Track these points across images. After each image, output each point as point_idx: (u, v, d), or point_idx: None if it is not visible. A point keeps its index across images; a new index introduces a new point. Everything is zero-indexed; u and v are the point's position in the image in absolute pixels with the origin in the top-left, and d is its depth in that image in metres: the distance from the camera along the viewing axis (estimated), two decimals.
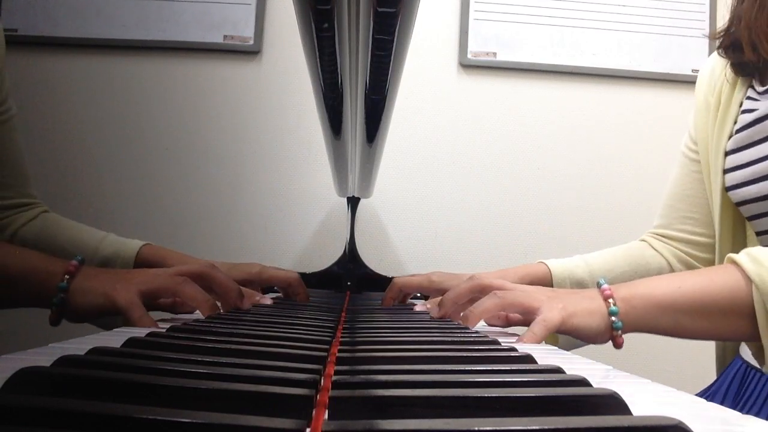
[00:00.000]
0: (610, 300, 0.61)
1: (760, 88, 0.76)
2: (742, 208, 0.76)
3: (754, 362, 0.76)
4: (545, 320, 0.60)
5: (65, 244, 0.87)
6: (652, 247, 0.93)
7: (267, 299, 0.81)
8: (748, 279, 0.56)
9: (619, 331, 0.61)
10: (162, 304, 0.72)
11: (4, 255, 0.62)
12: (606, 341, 0.62)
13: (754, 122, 0.74)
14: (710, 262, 0.88)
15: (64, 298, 0.60)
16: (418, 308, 0.80)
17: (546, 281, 0.87)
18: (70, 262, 0.61)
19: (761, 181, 0.72)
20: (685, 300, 0.59)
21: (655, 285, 0.62)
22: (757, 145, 0.73)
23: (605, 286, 0.62)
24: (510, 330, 0.77)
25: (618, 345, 0.62)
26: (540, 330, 0.59)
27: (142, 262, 0.87)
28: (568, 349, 0.83)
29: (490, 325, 0.74)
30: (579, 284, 0.87)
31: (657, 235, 0.94)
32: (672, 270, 0.91)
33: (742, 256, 0.58)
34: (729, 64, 0.79)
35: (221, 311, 0.66)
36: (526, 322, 0.66)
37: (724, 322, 0.58)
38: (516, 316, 0.71)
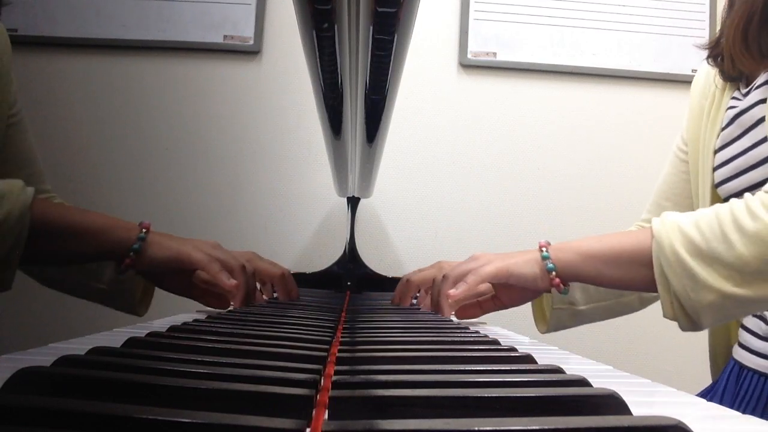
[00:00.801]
0: (543, 249, 0.71)
1: (744, 89, 0.80)
2: None
3: (746, 362, 0.76)
4: (478, 271, 0.72)
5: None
6: None
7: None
8: (653, 233, 0.64)
9: (553, 273, 0.70)
10: (199, 281, 0.80)
11: (85, 212, 0.70)
12: (547, 285, 0.72)
13: (734, 118, 0.77)
14: None
15: (142, 246, 0.70)
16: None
17: None
18: (144, 222, 0.72)
19: (743, 174, 0.75)
20: (603, 250, 0.68)
21: (583, 240, 0.71)
22: (739, 140, 0.76)
23: (542, 241, 0.73)
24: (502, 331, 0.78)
25: (557, 286, 0.71)
26: (472, 279, 0.72)
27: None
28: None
29: (462, 316, 0.83)
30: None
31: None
32: None
33: (656, 218, 0.65)
34: (718, 71, 0.83)
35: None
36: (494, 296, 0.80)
37: (634, 271, 0.66)
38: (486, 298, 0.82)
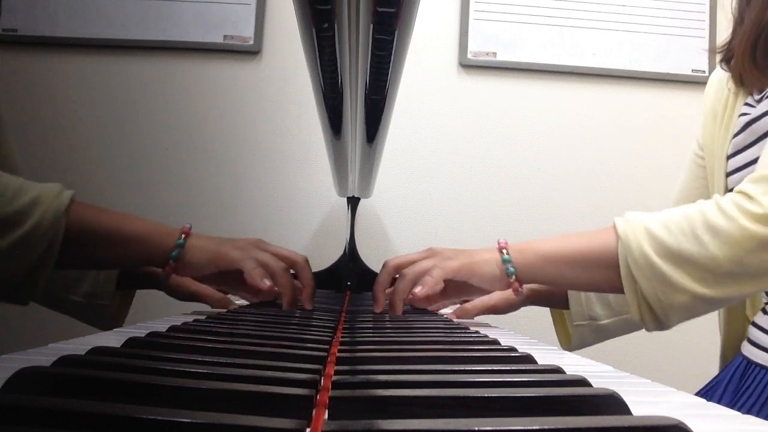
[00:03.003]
0: (504, 250, 0.69)
1: (757, 96, 0.79)
2: None
3: (754, 358, 0.76)
4: (443, 266, 0.69)
5: None
6: None
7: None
8: (618, 234, 0.62)
9: (513, 277, 0.68)
10: (229, 282, 0.77)
11: (124, 218, 0.69)
12: (505, 287, 0.70)
13: (746, 125, 0.77)
14: None
15: (181, 252, 0.68)
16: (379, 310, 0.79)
17: None
18: (184, 226, 0.70)
19: None
20: (566, 252, 0.67)
21: (546, 240, 0.70)
22: (751, 147, 0.76)
23: (502, 241, 0.71)
24: (496, 332, 0.77)
25: (515, 291, 0.69)
26: (437, 273, 0.69)
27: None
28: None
29: (418, 306, 0.80)
30: None
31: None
32: None
33: (620, 218, 0.64)
34: (730, 75, 0.82)
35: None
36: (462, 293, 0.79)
37: (598, 273, 0.65)
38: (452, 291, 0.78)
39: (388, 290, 0.77)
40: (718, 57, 0.83)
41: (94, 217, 0.66)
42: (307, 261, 0.76)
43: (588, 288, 0.69)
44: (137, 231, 0.68)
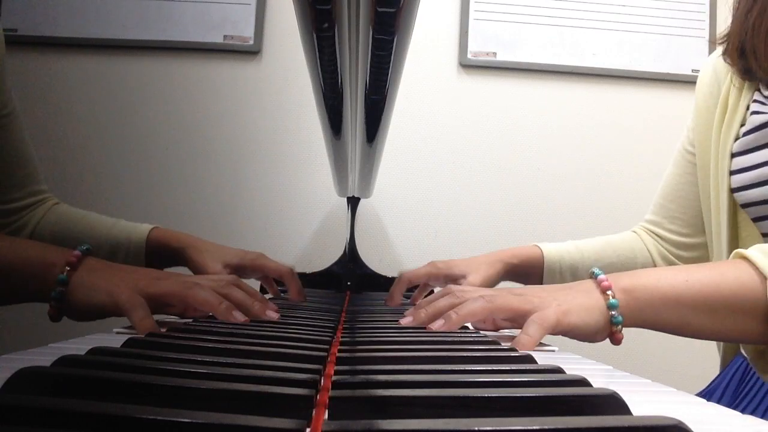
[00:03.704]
0: (609, 292, 0.56)
1: (767, 92, 0.76)
2: (748, 210, 0.76)
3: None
4: (541, 319, 0.54)
5: (79, 234, 0.88)
6: (642, 241, 0.94)
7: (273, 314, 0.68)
8: (761, 275, 0.52)
9: (619, 326, 0.55)
10: (169, 312, 0.67)
11: (3, 249, 0.58)
12: (605, 338, 0.57)
13: (762, 126, 0.74)
14: (694, 262, 0.89)
15: (63, 291, 0.55)
16: (404, 322, 0.63)
17: (538, 263, 0.89)
18: (72, 252, 0.57)
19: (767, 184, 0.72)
20: (692, 294, 0.54)
21: (660, 276, 0.56)
22: (765, 148, 0.73)
23: (602, 276, 0.57)
24: (506, 333, 0.77)
25: (617, 341, 0.56)
26: (535, 331, 0.54)
27: (154, 243, 0.88)
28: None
29: (477, 329, 0.70)
30: (571, 269, 0.89)
31: (648, 230, 0.95)
32: (655, 266, 0.91)
33: (754, 252, 0.54)
34: (735, 69, 0.78)
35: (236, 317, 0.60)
36: (516, 326, 0.60)
37: (732, 321, 0.54)
38: (504, 322, 0.67)
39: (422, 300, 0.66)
40: (720, 49, 0.80)
41: None
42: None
43: (715, 336, 0.57)
44: (13, 259, 0.56)
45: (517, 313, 0.56)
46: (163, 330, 0.50)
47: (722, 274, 0.54)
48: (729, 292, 0.53)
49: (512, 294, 0.58)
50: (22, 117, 0.89)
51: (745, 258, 0.55)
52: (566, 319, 0.54)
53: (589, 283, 0.58)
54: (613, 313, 0.55)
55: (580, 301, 0.56)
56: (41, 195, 0.92)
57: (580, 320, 0.55)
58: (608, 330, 0.56)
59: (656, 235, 0.93)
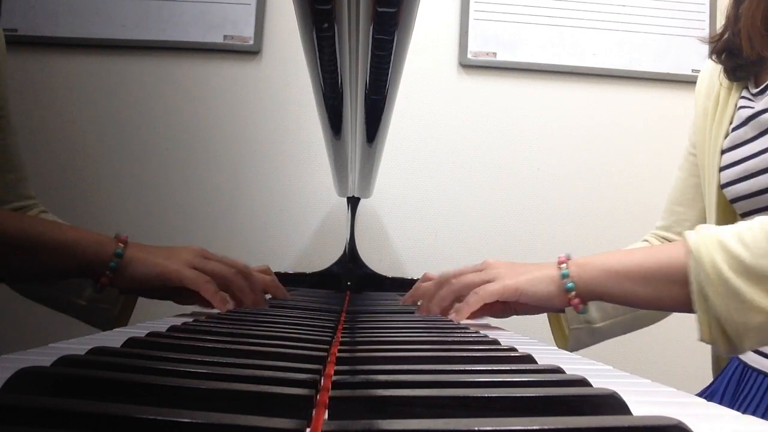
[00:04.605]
0: (563, 265, 0.66)
1: (754, 90, 0.78)
2: (736, 205, 0.77)
3: (751, 363, 0.76)
4: (483, 290, 0.66)
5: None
6: None
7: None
8: (689, 248, 0.58)
9: (573, 293, 0.65)
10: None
11: (51, 225, 0.65)
12: (564, 304, 0.67)
13: (748, 119, 0.75)
14: None
15: (119, 263, 0.64)
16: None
17: None
18: (121, 235, 0.66)
19: (753, 177, 0.73)
20: (631, 267, 0.63)
21: (608, 255, 0.66)
22: (751, 143, 0.74)
23: (563, 255, 0.67)
24: (497, 323, 0.77)
25: (575, 307, 0.66)
26: (474, 300, 0.66)
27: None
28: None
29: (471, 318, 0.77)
30: None
31: (659, 236, 0.95)
32: None
33: (689, 231, 0.61)
34: (722, 69, 0.80)
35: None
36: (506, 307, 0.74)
37: (666, 289, 0.61)
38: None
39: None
40: (709, 48, 0.81)
41: (15, 224, 0.63)
42: (247, 267, 0.74)
43: (653, 306, 0.65)
44: (66, 239, 0.64)
45: (468, 285, 0.69)
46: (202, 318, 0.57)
47: (659, 250, 0.63)
48: (661, 263, 0.61)
49: (475, 272, 0.70)
50: (15, 123, 0.89)
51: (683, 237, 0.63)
52: (515, 287, 0.66)
53: (549, 262, 0.68)
54: (565, 281, 0.65)
55: (535, 274, 0.67)
56: (30, 201, 0.91)
57: (530, 286, 0.66)
58: (564, 296, 0.66)
59: (667, 240, 0.93)
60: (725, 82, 0.81)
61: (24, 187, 0.90)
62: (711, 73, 0.86)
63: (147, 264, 0.66)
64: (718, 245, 0.57)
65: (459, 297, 0.71)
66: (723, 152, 0.79)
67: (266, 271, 0.87)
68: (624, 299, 0.65)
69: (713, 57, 0.81)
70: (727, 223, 0.79)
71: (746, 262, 0.55)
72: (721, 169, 0.79)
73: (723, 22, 0.81)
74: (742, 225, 0.59)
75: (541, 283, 0.66)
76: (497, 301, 0.70)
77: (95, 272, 0.65)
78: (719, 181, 0.79)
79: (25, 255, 0.63)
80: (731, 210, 0.79)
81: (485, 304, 0.74)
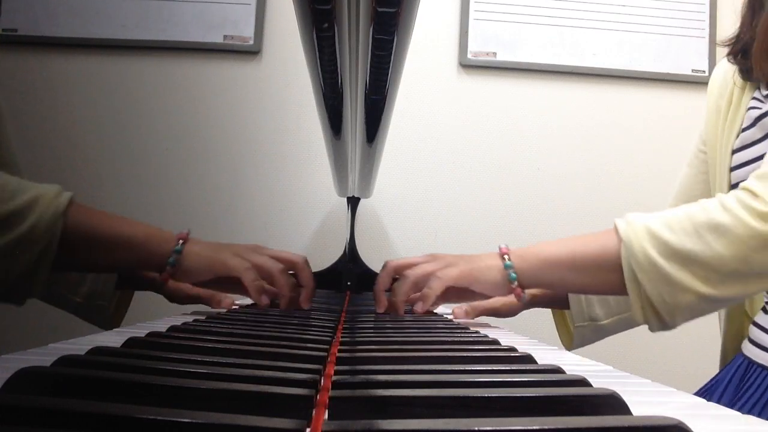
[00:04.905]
0: (506, 256, 0.69)
1: (765, 91, 0.78)
2: None
3: (755, 358, 0.76)
4: (443, 274, 0.69)
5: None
6: None
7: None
8: (620, 237, 0.62)
9: (515, 283, 0.68)
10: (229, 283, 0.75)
11: (122, 221, 0.67)
12: (507, 293, 0.70)
13: (756, 120, 0.76)
14: None
15: (178, 258, 0.67)
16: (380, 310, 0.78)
17: None
18: (182, 232, 0.69)
19: None
20: (567, 256, 0.66)
21: (547, 244, 0.70)
22: (761, 143, 0.75)
23: (503, 246, 0.71)
24: (498, 323, 0.77)
25: (517, 296, 0.69)
26: (437, 284, 0.69)
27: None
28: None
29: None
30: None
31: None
32: None
33: (619, 219, 0.64)
34: (737, 69, 0.81)
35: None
36: (463, 297, 0.77)
37: (601, 276, 0.65)
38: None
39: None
40: (726, 50, 0.82)
41: (92, 220, 0.65)
42: (306, 261, 0.76)
43: (591, 291, 0.69)
44: (135, 235, 0.67)
45: (426, 274, 0.71)
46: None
47: (594, 240, 0.66)
48: (594, 252, 0.65)
49: (427, 262, 0.73)
50: (8, 122, 0.89)
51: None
52: (470, 274, 0.70)
53: (493, 253, 0.72)
54: (508, 272, 0.68)
55: (484, 263, 0.70)
56: None
57: (480, 274, 0.70)
58: (507, 286, 0.69)
59: None
60: (739, 81, 0.81)
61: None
62: (724, 72, 0.86)
63: (199, 257, 0.69)
64: (646, 232, 0.60)
65: (418, 287, 0.72)
66: (734, 152, 0.79)
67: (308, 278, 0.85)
68: (563, 287, 0.69)
69: (729, 58, 0.82)
70: None
71: (674, 246, 0.59)
72: (732, 169, 0.79)
73: (730, 22, 0.81)
74: (669, 211, 0.62)
75: (491, 272, 0.70)
76: (452, 288, 0.73)
77: (156, 267, 0.68)
78: (730, 180, 0.79)
79: (96, 251, 0.65)
80: None
81: (442, 293, 0.76)
